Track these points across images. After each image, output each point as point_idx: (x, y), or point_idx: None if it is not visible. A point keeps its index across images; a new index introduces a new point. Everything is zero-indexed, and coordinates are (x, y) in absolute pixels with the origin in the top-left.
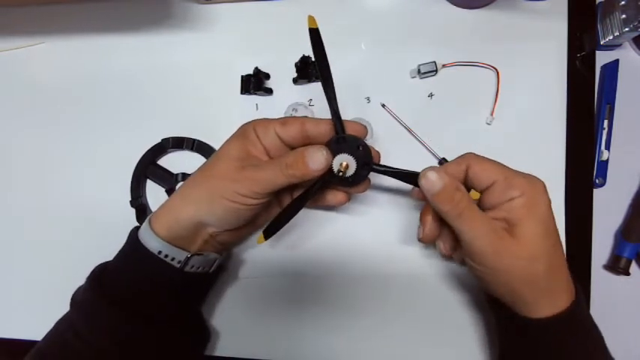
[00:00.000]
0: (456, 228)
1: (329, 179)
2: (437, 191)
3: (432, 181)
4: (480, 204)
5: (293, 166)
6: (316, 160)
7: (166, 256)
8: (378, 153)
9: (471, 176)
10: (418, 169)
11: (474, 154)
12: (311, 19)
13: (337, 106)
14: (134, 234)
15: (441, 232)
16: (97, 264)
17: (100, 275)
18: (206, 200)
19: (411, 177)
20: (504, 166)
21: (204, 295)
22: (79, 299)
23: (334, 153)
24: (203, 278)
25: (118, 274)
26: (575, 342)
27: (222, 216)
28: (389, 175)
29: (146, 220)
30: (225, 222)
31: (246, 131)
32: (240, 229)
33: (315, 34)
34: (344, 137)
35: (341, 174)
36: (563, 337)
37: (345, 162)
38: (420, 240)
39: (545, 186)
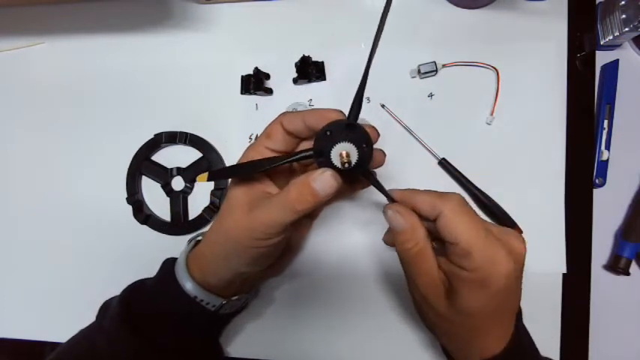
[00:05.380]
0: (402, 266)
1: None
2: (398, 231)
3: (395, 221)
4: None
5: (300, 200)
6: (325, 184)
7: (201, 300)
8: (374, 129)
9: (438, 225)
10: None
11: (458, 201)
12: None
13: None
14: (170, 268)
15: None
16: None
17: (130, 298)
18: (233, 254)
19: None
20: (481, 231)
21: (224, 327)
22: (106, 317)
23: (326, 147)
24: (231, 316)
25: (149, 304)
26: None
27: (253, 262)
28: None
29: (183, 257)
30: (258, 264)
31: None
32: (276, 262)
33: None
34: (352, 124)
35: (346, 165)
36: None
37: (345, 150)
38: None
39: (520, 255)
